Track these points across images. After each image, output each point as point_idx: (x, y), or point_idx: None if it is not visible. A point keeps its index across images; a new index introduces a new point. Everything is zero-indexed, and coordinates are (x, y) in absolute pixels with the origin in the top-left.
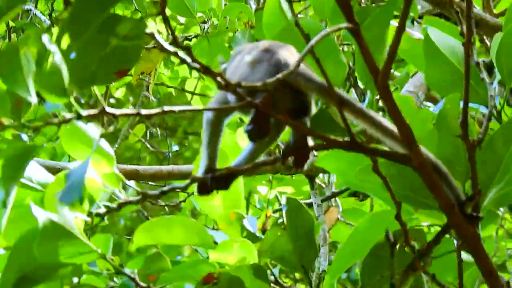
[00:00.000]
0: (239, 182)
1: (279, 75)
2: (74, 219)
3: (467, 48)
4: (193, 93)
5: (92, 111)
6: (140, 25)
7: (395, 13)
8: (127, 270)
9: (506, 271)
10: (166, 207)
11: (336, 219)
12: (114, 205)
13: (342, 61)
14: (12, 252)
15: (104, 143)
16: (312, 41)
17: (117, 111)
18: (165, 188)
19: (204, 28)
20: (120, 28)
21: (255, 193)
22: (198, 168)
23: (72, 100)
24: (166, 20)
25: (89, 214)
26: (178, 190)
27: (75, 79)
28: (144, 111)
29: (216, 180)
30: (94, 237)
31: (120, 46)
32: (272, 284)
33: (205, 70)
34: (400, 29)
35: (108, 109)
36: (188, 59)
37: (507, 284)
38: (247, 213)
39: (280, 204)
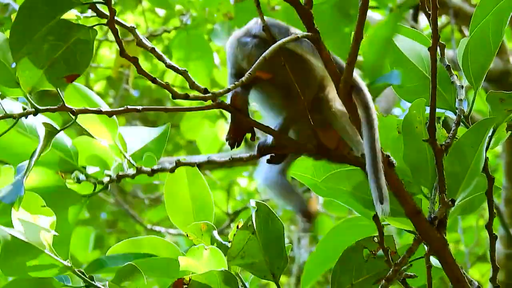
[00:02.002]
0: (209, 194)
1: (243, 78)
2: (40, 233)
3: (433, 53)
4: (172, 85)
5: (51, 107)
6: (91, 32)
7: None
8: (98, 283)
9: (486, 261)
10: (146, 200)
11: (316, 211)
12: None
13: None
14: None
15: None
16: (267, 52)
17: (75, 108)
18: (155, 167)
19: (183, 20)
20: (71, 34)
21: (236, 185)
22: None
23: (28, 95)
24: (115, 32)
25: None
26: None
27: (24, 82)
28: (105, 109)
29: None
30: (76, 230)
31: (71, 51)
32: None
33: (153, 81)
34: (358, 36)
35: (67, 105)
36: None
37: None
38: (227, 206)
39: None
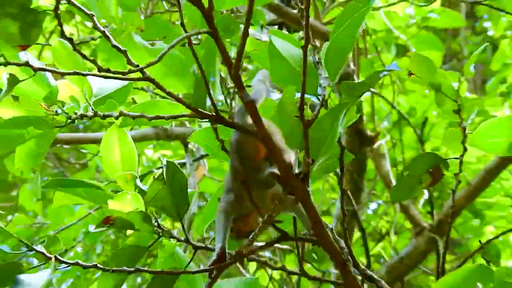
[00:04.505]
0: (134, 152)
1: None
2: None
3: (305, 51)
4: None
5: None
6: (40, 15)
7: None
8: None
9: (329, 215)
10: (76, 165)
11: (203, 175)
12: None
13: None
14: None
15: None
16: (172, 43)
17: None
18: (106, 113)
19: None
20: (26, 15)
21: (143, 155)
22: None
23: None
24: (58, 17)
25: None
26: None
27: None
28: (38, 65)
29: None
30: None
31: (25, 27)
32: (155, 228)
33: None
34: (244, 35)
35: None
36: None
37: (331, 230)
38: (137, 170)
39: (162, 164)
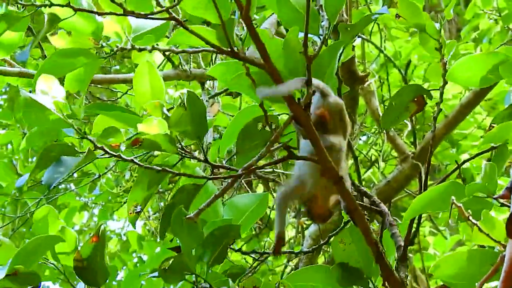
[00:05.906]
0: (161, 83)
1: None
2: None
3: None
4: None
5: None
6: None
7: None
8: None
9: None
10: (108, 102)
11: (218, 111)
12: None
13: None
14: None
15: None
16: None
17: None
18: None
19: None
20: None
21: (166, 94)
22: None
23: None
24: None
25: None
26: None
27: None
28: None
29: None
30: None
31: None
32: (179, 149)
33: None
34: None
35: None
36: None
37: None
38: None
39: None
